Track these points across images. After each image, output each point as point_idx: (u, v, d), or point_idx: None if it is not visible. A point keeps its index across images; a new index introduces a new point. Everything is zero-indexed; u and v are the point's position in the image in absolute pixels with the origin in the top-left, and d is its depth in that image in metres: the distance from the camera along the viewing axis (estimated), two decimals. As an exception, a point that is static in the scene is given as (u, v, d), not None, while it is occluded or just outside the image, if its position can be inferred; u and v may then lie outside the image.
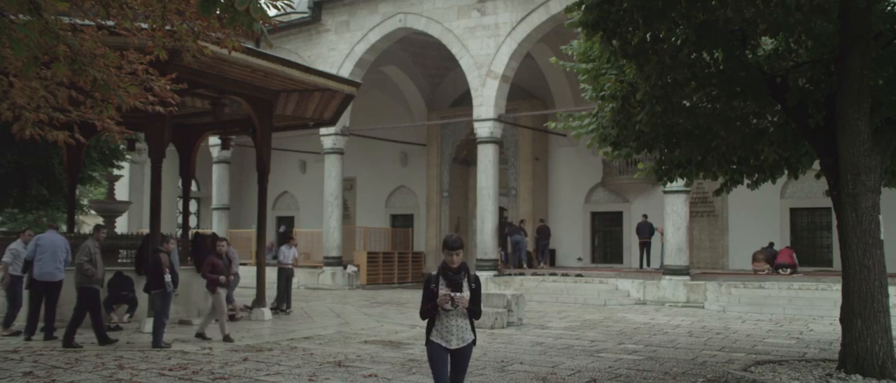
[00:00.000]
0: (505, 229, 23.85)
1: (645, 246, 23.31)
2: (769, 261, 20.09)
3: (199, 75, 11.96)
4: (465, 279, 5.34)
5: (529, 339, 11.82)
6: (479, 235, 21.42)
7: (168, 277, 10.55)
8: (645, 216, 23.38)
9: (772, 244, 20.72)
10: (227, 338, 11.21)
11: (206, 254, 14.48)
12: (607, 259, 26.40)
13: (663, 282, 18.73)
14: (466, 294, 5.29)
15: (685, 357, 10.09)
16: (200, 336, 11.42)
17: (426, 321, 5.44)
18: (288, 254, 16.38)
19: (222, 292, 11.51)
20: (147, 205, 14.71)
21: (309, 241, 26.10)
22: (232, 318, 14.22)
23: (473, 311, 5.39)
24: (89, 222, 34.33)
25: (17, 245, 12.06)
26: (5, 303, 12.02)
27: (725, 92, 8.50)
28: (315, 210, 29.42)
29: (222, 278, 11.41)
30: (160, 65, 7.44)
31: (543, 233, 24.20)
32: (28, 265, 11.34)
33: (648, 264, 23.03)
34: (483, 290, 5.77)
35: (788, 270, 19.31)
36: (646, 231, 23.16)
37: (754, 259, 20.52)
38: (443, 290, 5.24)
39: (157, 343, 10.43)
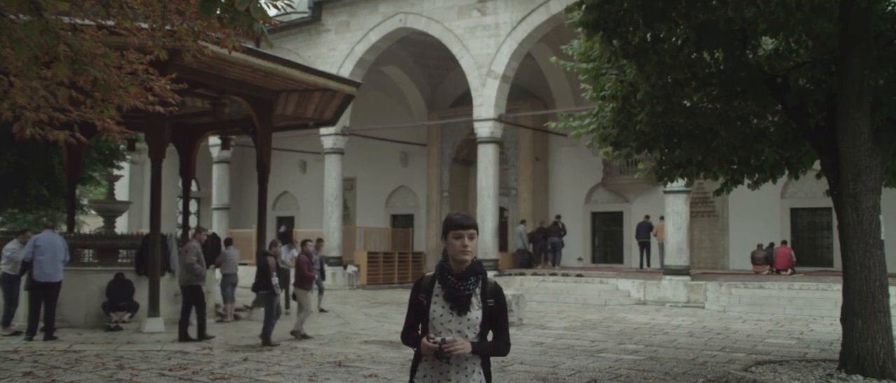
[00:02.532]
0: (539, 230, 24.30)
1: (644, 246, 23.32)
2: (768, 261, 20.10)
3: (200, 75, 11.96)
4: (478, 291, 3.21)
5: (530, 339, 11.81)
6: (479, 235, 21.39)
7: (275, 279, 11.24)
8: (647, 216, 23.38)
9: (772, 244, 20.72)
10: (303, 336, 11.59)
11: (206, 255, 14.54)
12: (608, 259, 26.40)
13: (664, 282, 18.72)
14: (476, 315, 3.16)
15: (686, 357, 10.09)
16: (302, 336, 11.63)
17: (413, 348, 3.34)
18: (287, 255, 16.36)
19: (312, 291, 12.12)
20: (147, 205, 14.69)
21: (309, 241, 26.07)
22: (236, 319, 14.25)
23: (494, 347, 3.25)
24: (89, 222, 34.36)
25: (13, 245, 12.00)
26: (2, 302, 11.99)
27: (726, 92, 8.50)
28: (315, 210, 29.42)
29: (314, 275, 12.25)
30: (160, 65, 7.43)
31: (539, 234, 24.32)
32: (26, 266, 11.29)
33: (648, 264, 23.03)
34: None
35: (789, 271, 19.31)
36: (645, 231, 23.19)
37: (753, 259, 20.52)
38: (437, 307, 3.18)
39: (267, 341, 10.85)
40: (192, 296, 11.47)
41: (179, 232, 16.91)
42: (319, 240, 17.14)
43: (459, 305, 3.15)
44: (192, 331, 11.37)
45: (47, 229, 11.66)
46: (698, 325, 14.10)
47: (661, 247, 20.80)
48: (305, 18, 24.13)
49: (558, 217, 24.72)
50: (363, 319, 14.86)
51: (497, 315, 3.23)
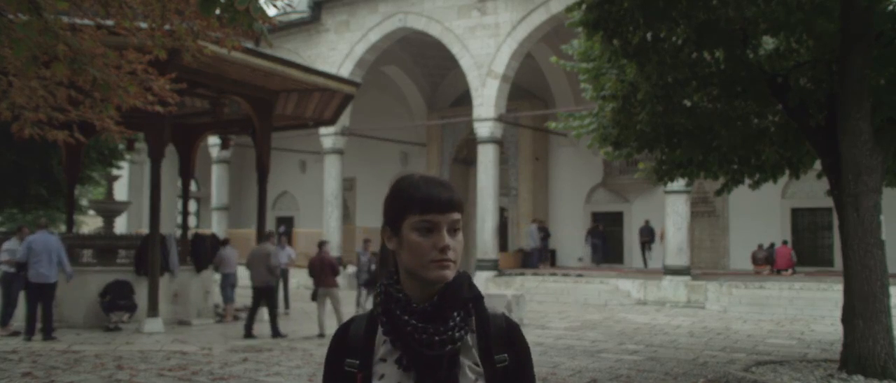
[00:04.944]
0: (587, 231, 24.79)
1: (646, 244, 23.35)
2: (768, 261, 20.09)
3: (199, 75, 11.94)
4: (471, 340, 1.59)
5: (530, 340, 11.72)
6: (479, 235, 21.40)
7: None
8: (647, 221, 23.44)
9: (772, 245, 20.69)
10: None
11: (205, 255, 14.53)
12: (608, 259, 26.37)
13: (664, 282, 18.70)
14: None
15: (686, 357, 10.07)
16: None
17: None
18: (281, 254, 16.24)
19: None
20: (146, 205, 14.69)
21: (309, 241, 26.06)
22: (236, 319, 14.23)
23: None
24: (88, 222, 34.35)
25: (11, 244, 11.97)
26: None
27: (726, 91, 8.49)
28: (315, 210, 29.39)
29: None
30: (160, 64, 7.42)
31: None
32: (21, 266, 11.21)
33: (645, 264, 23.07)
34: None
35: (789, 271, 19.29)
36: (647, 233, 23.26)
37: (754, 259, 20.50)
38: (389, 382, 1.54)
39: None
40: (266, 296, 12.01)
41: (178, 232, 16.90)
42: (367, 241, 16.76)
43: (435, 376, 1.52)
44: (257, 328, 11.95)
45: (41, 229, 11.47)
46: (699, 325, 14.08)
47: (664, 247, 20.78)
48: (305, 18, 24.11)
49: (597, 224, 25.27)
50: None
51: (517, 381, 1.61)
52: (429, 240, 1.53)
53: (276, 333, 11.82)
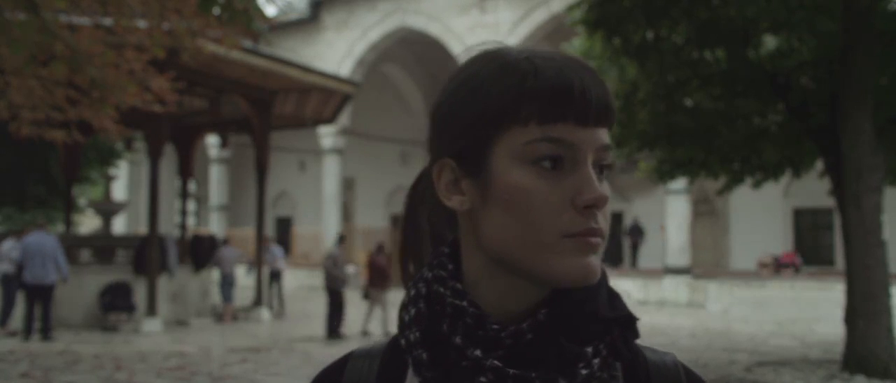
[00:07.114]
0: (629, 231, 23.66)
1: (635, 246, 23.33)
2: (774, 260, 20.03)
3: (198, 74, 11.88)
4: None
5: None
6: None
7: None
8: (635, 219, 23.46)
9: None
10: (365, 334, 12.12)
11: (204, 255, 14.49)
12: (607, 258, 26.33)
13: (665, 282, 18.67)
14: None
15: (687, 358, 10.04)
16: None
17: None
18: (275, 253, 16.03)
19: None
20: (145, 205, 14.65)
21: (308, 241, 26.04)
22: (234, 319, 14.20)
23: None
24: (86, 222, 34.27)
25: (10, 244, 11.91)
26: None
27: (728, 91, 8.47)
28: (314, 210, 29.37)
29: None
30: (158, 63, 7.39)
31: None
32: (20, 266, 11.13)
33: (633, 264, 23.10)
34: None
35: (793, 269, 19.23)
36: (636, 232, 23.23)
37: (761, 264, 20.44)
38: None
39: None
40: (338, 298, 12.21)
41: (177, 232, 16.85)
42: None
43: None
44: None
45: (38, 230, 11.27)
46: (700, 326, 14.05)
47: (664, 244, 20.72)
48: (304, 17, 24.07)
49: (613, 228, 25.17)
50: (362, 319, 14.79)
51: None
52: (558, 185, 0.69)
53: (329, 332, 12.07)
